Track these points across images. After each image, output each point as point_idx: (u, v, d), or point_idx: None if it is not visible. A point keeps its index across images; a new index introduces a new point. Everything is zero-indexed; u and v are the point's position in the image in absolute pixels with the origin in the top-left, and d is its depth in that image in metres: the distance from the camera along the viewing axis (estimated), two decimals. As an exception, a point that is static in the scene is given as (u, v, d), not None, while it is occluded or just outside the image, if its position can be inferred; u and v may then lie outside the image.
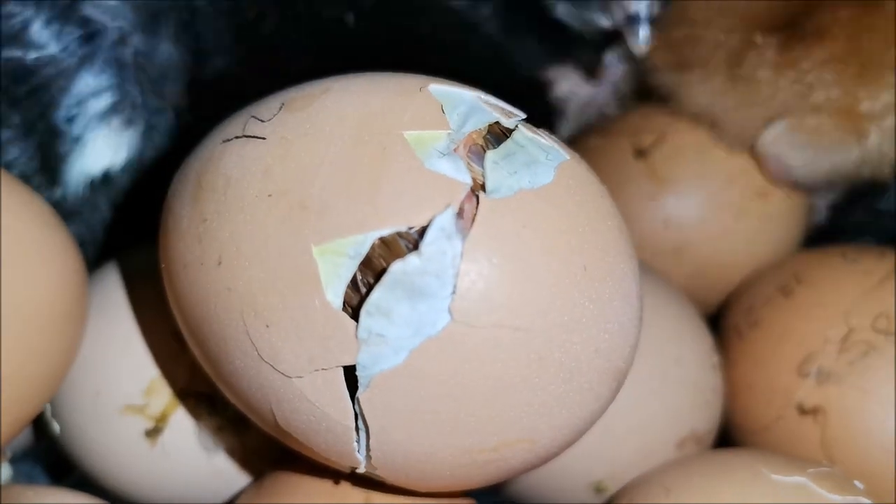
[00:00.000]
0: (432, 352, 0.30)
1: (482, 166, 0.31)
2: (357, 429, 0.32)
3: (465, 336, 0.30)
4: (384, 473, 0.33)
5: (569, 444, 0.34)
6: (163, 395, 0.41)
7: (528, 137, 0.33)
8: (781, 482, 0.37)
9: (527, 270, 0.30)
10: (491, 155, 0.32)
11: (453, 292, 0.30)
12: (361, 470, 0.33)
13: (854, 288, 0.43)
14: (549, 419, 0.32)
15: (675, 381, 0.43)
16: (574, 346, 0.31)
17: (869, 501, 0.37)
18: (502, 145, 0.32)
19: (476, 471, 0.33)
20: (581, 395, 0.32)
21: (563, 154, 0.33)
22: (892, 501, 0.39)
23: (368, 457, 0.32)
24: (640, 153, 0.52)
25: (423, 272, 0.30)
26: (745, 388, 0.45)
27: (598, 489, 0.42)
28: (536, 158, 0.32)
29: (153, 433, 0.40)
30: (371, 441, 0.32)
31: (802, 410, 0.42)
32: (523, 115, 0.34)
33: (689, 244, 0.50)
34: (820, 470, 0.38)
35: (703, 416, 0.44)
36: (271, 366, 0.31)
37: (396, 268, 0.30)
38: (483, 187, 0.31)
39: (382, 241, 0.30)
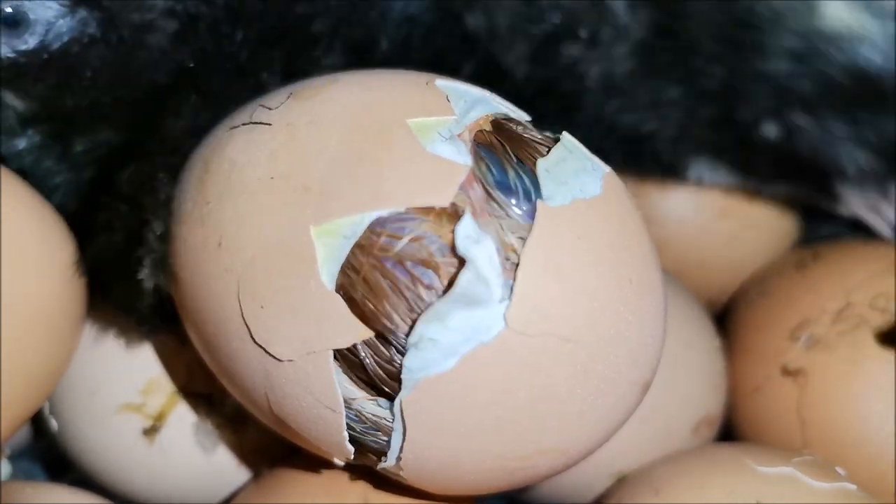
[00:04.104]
0: (482, 358, 0.30)
1: (494, 163, 0.31)
2: (393, 430, 0.31)
3: (517, 344, 0.30)
4: (409, 475, 0.33)
5: (592, 452, 0.34)
6: (160, 393, 0.40)
7: (574, 144, 0.33)
8: (768, 473, 0.37)
9: (580, 282, 0.31)
10: (542, 163, 0.32)
11: (508, 299, 0.30)
12: (387, 465, 0.33)
13: (864, 269, 0.44)
14: (584, 429, 0.32)
15: (686, 365, 0.43)
16: (616, 359, 0.31)
17: (853, 486, 0.37)
18: (553, 151, 0.32)
19: (504, 477, 0.33)
20: (613, 408, 0.33)
21: (602, 165, 0.33)
22: (853, 470, 0.40)
23: (398, 458, 0.32)
24: None
25: (478, 280, 0.30)
26: (741, 351, 0.46)
27: (620, 480, 0.42)
28: (584, 167, 0.32)
29: (151, 432, 0.40)
30: (406, 443, 0.31)
31: (786, 372, 0.43)
32: (528, 117, 0.34)
33: (668, 242, 0.50)
34: (804, 459, 0.39)
35: (714, 400, 0.44)
36: (264, 349, 0.31)
37: (464, 278, 0.29)
38: (481, 176, 0.31)
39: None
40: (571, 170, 0.32)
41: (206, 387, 0.40)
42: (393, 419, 0.31)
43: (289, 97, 0.34)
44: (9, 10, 0.35)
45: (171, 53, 0.38)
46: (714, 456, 0.40)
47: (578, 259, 0.31)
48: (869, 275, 0.43)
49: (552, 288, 0.30)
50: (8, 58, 0.36)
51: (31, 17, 0.35)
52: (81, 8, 0.36)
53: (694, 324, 0.45)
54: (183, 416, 0.40)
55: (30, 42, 0.36)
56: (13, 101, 0.37)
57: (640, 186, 0.51)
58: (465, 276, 0.29)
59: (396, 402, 0.31)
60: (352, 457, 0.33)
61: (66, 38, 0.36)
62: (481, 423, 0.31)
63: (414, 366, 0.30)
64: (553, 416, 0.31)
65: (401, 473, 0.33)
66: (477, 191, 0.31)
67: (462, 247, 0.30)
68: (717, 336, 0.46)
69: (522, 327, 0.30)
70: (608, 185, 0.32)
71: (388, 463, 0.32)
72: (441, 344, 0.30)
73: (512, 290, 0.30)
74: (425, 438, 0.31)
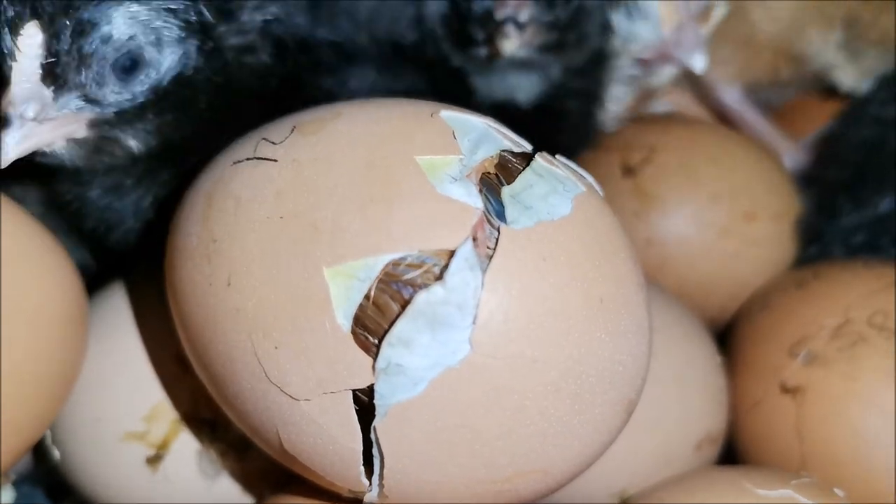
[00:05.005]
0: (450, 382, 0.30)
1: (493, 197, 0.31)
2: (371, 457, 0.32)
3: (484, 367, 0.30)
4: (397, 502, 0.33)
5: (579, 473, 0.34)
6: (164, 421, 0.40)
7: (546, 168, 0.33)
8: (767, 496, 0.37)
9: (545, 302, 0.31)
10: (507, 190, 0.32)
11: (473, 323, 0.30)
12: (373, 499, 0.33)
13: (862, 287, 0.44)
14: (562, 450, 0.32)
15: (688, 382, 0.43)
16: (589, 379, 0.31)
17: None
18: (521, 177, 0.32)
19: (488, 500, 0.33)
20: (594, 426, 0.33)
21: (578, 185, 0.33)
22: (851, 486, 0.40)
23: (381, 486, 0.32)
24: (628, 170, 0.52)
25: (446, 303, 0.30)
26: (741, 368, 0.46)
27: (623, 498, 0.42)
28: (554, 190, 0.32)
29: (154, 460, 0.40)
30: (385, 470, 0.32)
31: (784, 388, 0.43)
32: (530, 146, 0.34)
33: (671, 262, 0.51)
34: (802, 481, 0.38)
35: (716, 417, 0.44)
36: (279, 388, 0.31)
37: (421, 298, 0.30)
38: (490, 218, 0.31)
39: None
40: (539, 193, 0.32)
41: (210, 413, 0.40)
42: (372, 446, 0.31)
43: (293, 131, 0.34)
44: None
45: (272, 67, 0.40)
46: (714, 479, 0.40)
47: (544, 280, 0.31)
48: (868, 292, 0.43)
49: (516, 310, 0.30)
50: (127, 100, 0.36)
51: (146, 56, 0.36)
52: (191, 39, 0.37)
53: (694, 342, 0.45)
54: (186, 444, 0.41)
55: (145, 82, 0.36)
56: (130, 141, 0.38)
57: (641, 206, 0.51)
58: (421, 297, 0.30)
59: (372, 429, 0.31)
60: (374, 496, 0.33)
61: (175, 72, 0.37)
62: (455, 446, 0.31)
63: (384, 391, 0.30)
64: (527, 437, 0.31)
65: (387, 502, 0.33)
66: (485, 228, 0.31)
67: (456, 267, 0.30)
68: (719, 353, 0.46)
69: (488, 350, 0.30)
70: (580, 206, 0.32)
71: (372, 492, 0.33)
72: (408, 370, 0.30)
73: (476, 314, 0.30)
74: (402, 464, 0.31)
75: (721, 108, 0.59)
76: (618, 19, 0.51)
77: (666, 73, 0.55)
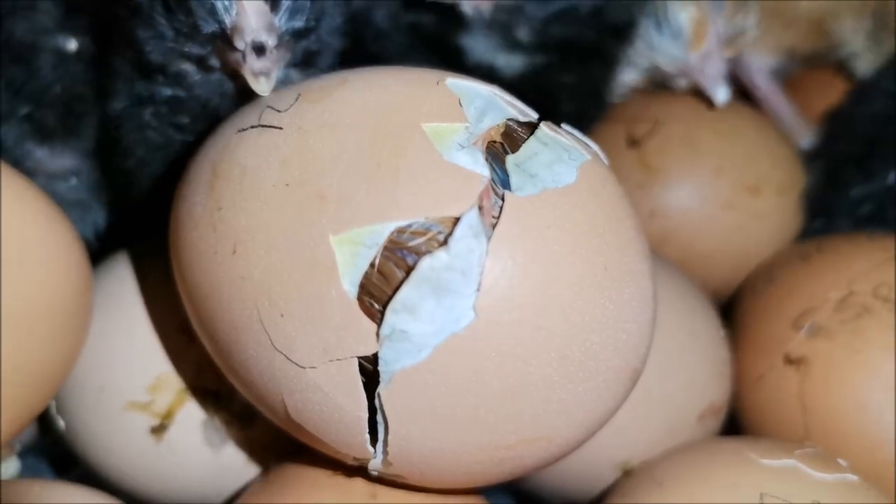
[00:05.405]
0: (454, 349, 0.30)
1: (498, 165, 0.31)
2: (375, 425, 0.32)
3: (488, 334, 0.30)
4: (400, 470, 0.33)
5: (583, 441, 0.34)
6: (168, 391, 0.40)
7: (551, 136, 0.33)
8: (771, 466, 0.37)
9: (550, 270, 0.31)
10: (512, 158, 0.32)
11: (477, 290, 0.30)
12: (377, 466, 0.33)
13: (866, 260, 0.44)
14: (567, 418, 0.32)
15: (691, 353, 0.43)
16: (594, 346, 0.32)
17: (855, 477, 0.37)
18: (525, 145, 0.32)
19: (492, 468, 0.33)
20: (598, 394, 0.33)
21: (583, 154, 0.33)
22: (853, 457, 0.40)
23: (385, 453, 0.32)
24: (633, 142, 0.52)
25: (450, 269, 0.30)
26: (745, 341, 0.46)
27: (625, 469, 0.42)
28: (559, 158, 0.32)
29: (159, 430, 0.40)
30: (389, 437, 0.32)
31: (788, 360, 0.43)
32: (536, 115, 0.34)
33: (674, 234, 0.51)
34: (806, 451, 0.39)
35: (719, 389, 0.44)
36: (285, 355, 0.31)
37: (425, 264, 0.30)
38: (495, 186, 0.31)
39: None
40: (544, 162, 0.32)
41: (214, 383, 0.40)
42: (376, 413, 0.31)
43: (297, 99, 0.33)
44: None
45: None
46: (718, 449, 0.40)
47: (548, 248, 0.31)
48: (871, 265, 0.43)
49: (521, 277, 0.30)
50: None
51: None
52: None
53: (698, 313, 0.45)
54: (191, 414, 0.41)
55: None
56: None
57: (646, 178, 0.51)
58: (425, 263, 0.30)
59: (376, 395, 0.31)
60: (378, 464, 0.33)
61: None
62: (459, 413, 0.31)
63: (389, 357, 0.30)
64: (531, 405, 0.31)
65: (393, 469, 0.33)
66: (490, 196, 0.31)
67: (460, 234, 0.30)
68: (722, 326, 0.46)
69: (492, 316, 0.30)
70: (585, 174, 0.32)
71: (376, 460, 0.33)
72: (412, 336, 0.30)
73: (480, 280, 0.30)
74: (406, 431, 0.31)
75: (746, 81, 0.58)
76: (646, 27, 0.51)
77: (683, 82, 0.55)
